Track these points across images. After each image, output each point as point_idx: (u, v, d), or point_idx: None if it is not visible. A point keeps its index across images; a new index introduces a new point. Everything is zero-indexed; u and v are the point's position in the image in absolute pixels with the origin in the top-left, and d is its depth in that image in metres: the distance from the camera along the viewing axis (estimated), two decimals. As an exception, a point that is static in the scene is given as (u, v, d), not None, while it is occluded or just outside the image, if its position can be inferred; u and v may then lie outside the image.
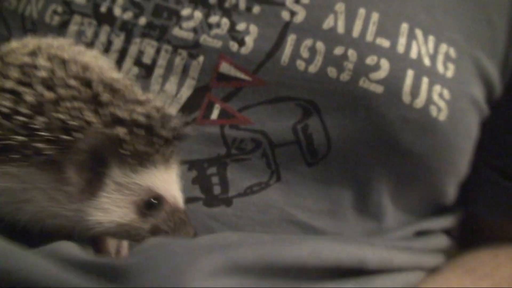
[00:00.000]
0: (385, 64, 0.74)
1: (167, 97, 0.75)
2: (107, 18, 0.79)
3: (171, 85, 0.76)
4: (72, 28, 0.79)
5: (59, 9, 0.80)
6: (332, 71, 0.74)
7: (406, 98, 0.75)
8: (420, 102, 0.76)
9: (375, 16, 0.76)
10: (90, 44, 0.77)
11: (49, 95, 0.55)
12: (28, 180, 0.56)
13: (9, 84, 0.56)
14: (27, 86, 0.56)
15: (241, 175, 0.75)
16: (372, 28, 0.75)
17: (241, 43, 0.75)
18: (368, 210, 0.80)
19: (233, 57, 0.75)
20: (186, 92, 0.76)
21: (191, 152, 0.74)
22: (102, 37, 0.78)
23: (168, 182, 0.61)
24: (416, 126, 0.76)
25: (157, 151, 0.58)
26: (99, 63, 0.64)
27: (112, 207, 0.58)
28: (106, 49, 0.77)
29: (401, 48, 0.76)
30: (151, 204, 0.60)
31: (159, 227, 0.61)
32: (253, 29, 0.76)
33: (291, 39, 0.75)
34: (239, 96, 0.75)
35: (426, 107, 0.76)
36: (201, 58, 0.76)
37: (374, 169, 0.78)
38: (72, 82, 0.56)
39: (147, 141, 0.57)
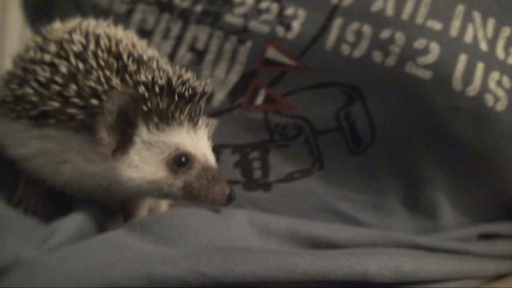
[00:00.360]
0: (435, 48, 0.70)
1: (216, 82, 0.77)
2: (168, 6, 0.83)
3: (220, 71, 0.78)
4: (136, 16, 0.84)
5: None
6: (377, 56, 0.72)
7: (457, 85, 0.70)
8: (473, 90, 0.70)
9: None
10: (151, 31, 0.82)
11: (81, 66, 0.60)
12: (65, 142, 0.60)
13: (47, 57, 0.61)
14: (63, 58, 0.61)
15: (283, 161, 0.76)
16: (423, 10, 0.72)
17: (288, 27, 0.76)
18: (420, 206, 0.76)
19: (279, 42, 0.76)
20: (233, 77, 0.78)
21: (235, 137, 0.76)
22: (162, 24, 0.83)
23: (197, 141, 0.64)
24: (468, 116, 0.71)
25: (181, 110, 0.61)
26: (133, 40, 0.68)
27: (142, 164, 0.61)
28: (165, 36, 0.82)
29: (454, 31, 0.71)
30: (181, 161, 0.62)
31: (192, 184, 0.63)
32: (301, 13, 0.76)
33: (337, 23, 0.74)
34: (284, 81, 0.76)
35: (480, 95, 0.70)
36: (249, 43, 0.77)
37: (425, 161, 0.74)
38: (103, 54, 0.61)
39: (169, 99, 0.60)
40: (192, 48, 0.81)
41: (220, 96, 0.77)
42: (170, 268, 0.51)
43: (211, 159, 0.64)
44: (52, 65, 0.61)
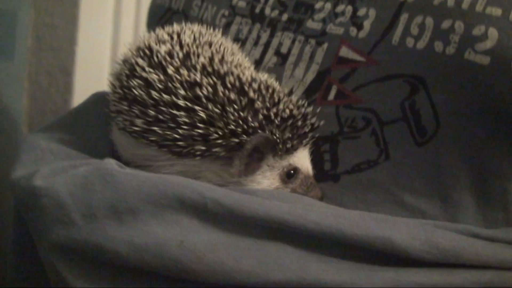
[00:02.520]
0: (493, 33, 0.75)
1: (295, 81, 0.91)
2: (259, 17, 1.00)
3: (299, 71, 0.91)
4: (234, 27, 1.02)
5: (226, 12, 1.04)
6: (438, 45, 0.79)
7: None
8: None
9: None
10: (245, 40, 1.00)
11: (217, 110, 0.75)
12: (203, 167, 0.79)
13: (181, 102, 0.75)
14: (195, 104, 0.75)
15: (350, 152, 0.85)
16: None
17: (360, 27, 0.87)
18: (490, 198, 0.79)
19: (351, 41, 0.87)
20: (310, 76, 0.91)
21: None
22: (254, 33, 1.00)
23: (303, 157, 0.83)
24: None
25: (300, 141, 0.80)
26: (246, 66, 0.86)
27: (263, 180, 0.80)
28: (255, 43, 0.99)
29: None
30: (290, 174, 0.82)
31: (296, 190, 0.82)
32: (372, 13, 0.87)
33: (403, 18, 0.83)
34: (354, 76, 0.86)
35: None
36: (325, 45, 0.90)
37: (492, 151, 0.78)
38: (232, 94, 0.77)
39: (292, 136, 0.79)
40: (277, 52, 0.95)
41: (298, 93, 0.89)
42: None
43: (310, 169, 0.84)
44: (187, 110, 0.75)
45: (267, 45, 0.96)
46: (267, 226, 0.66)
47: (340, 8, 0.90)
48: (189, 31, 0.85)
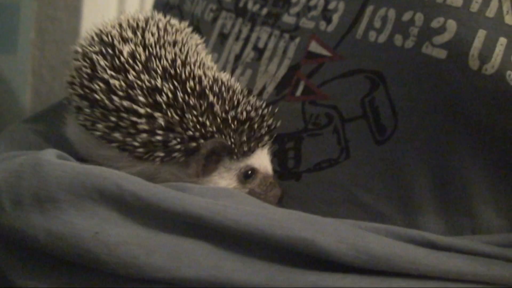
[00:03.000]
0: (451, 25, 0.74)
1: (268, 76, 0.91)
2: (242, 11, 1.00)
3: (273, 66, 0.91)
4: (219, 22, 1.03)
5: (214, 7, 1.06)
6: (398, 39, 0.78)
7: (473, 63, 0.72)
8: (491, 67, 0.71)
9: None
10: (228, 35, 1.01)
11: (176, 117, 0.75)
12: (162, 169, 0.79)
13: (142, 111, 0.76)
14: (157, 110, 0.76)
15: (313, 150, 0.85)
16: None
17: (329, 21, 0.86)
18: (453, 202, 0.77)
19: (320, 35, 0.87)
20: (282, 71, 0.91)
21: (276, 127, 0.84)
22: (236, 28, 1.00)
23: (261, 157, 0.82)
24: (489, 96, 0.72)
25: (257, 142, 0.80)
26: (210, 66, 0.86)
27: (220, 181, 0.81)
28: (237, 38, 0.99)
29: (475, 6, 0.74)
30: (247, 174, 0.82)
31: (255, 190, 0.82)
32: (341, 6, 0.86)
33: (368, 10, 0.82)
34: (320, 72, 0.86)
35: (500, 73, 0.71)
36: (297, 39, 0.90)
37: (453, 150, 0.76)
38: (192, 100, 0.77)
39: (249, 138, 0.79)
40: (255, 47, 0.96)
41: (269, 89, 0.90)
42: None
43: (269, 169, 0.84)
44: (147, 116, 0.76)
45: (246, 40, 0.97)
46: (184, 221, 0.66)
47: (313, 1, 0.90)
48: (154, 27, 0.85)
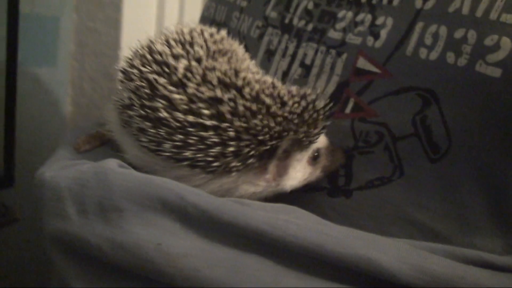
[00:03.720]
0: (506, 43, 0.74)
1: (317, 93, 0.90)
2: (288, 28, 1.02)
3: (321, 82, 0.93)
4: (265, 38, 1.06)
5: (260, 23, 1.08)
6: (450, 56, 0.78)
7: None
8: None
9: None
10: (274, 51, 1.03)
11: (243, 124, 0.77)
12: (240, 180, 0.81)
13: (207, 122, 0.76)
14: (223, 121, 0.76)
15: (364, 167, 0.86)
16: (499, 4, 0.76)
17: (377, 36, 0.87)
18: (510, 221, 0.76)
19: (368, 51, 0.88)
20: (331, 88, 0.92)
21: None
22: (282, 44, 1.02)
23: (321, 137, 0.86)
24: None
25: (318, 130, 0.82)
26: (255, 71, 0.88)
27: (297, 174, 0.84)
28: (283, 54, 1.01)
29: None
30: (316, 156, 0.87)
31: (325, 166, 0.88)
32: (389, 21, 0.87)
33: (418, 27, 0.83)
34: (370, 89, 0.87)
35: None
36: (344, 55, 0.91)
37: (509, 170, 0.75)
38: (253, 106, 0.79)
39: (310, 125, 0.80)
40: (302, 64, 0.97)
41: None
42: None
43: (325, 139, 0.88)
44: (215, 128, 0.77)
45: (293, 56, 0.99)
46: (245, 235, 0.67)
47: (360, 16, 0.91)
48: (201, 39, 0.87)
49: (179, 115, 0.76)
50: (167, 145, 0.77)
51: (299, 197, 0.87)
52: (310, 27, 0.97)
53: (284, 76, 0.99)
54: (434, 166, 0.79)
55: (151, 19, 1.79)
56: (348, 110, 0.88)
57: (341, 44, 0.91)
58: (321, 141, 0.86)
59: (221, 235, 0.68)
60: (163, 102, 0.77)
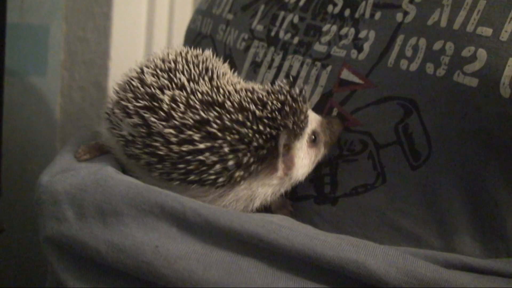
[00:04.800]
0: (482, 54, 0.79)
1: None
2: (274, 41, 1.07)
3: (306, 93, 0.91)
4: (252, 51, 1.10)
5: (246, 36, 1.12)
6: (429, 67, 0.83)
7: (505, 91, 0.77)
8: None
9: (481, 4, 0.81)
10: (260, 63, 1.07)
11: (235, 136, 0.80)
12: (253, 186, 0.85)
13: (201, 145, 0.80)
14: (220, 138, 0.80)
15: (349, 175, 0.91)
16: (475, 17, 0.81)
17: (360, 49, 0.92)
18: (487, 225, 0.82)
19: (352, 63, 0.93)
20: (315, 98, 0.97)
21: None
22: (268, 56, 1.07)
23: (311, 118, 0.90)
24: None
25: (304, 114, 0.86)
26: (236, 81, 0.92)
27: (303, 162, 0.89)
28: (269, 66, 1.06)
29: (505, 35, 0.79)
30: (313, 138, 0.90)
31: (327, 142, 0.91)
32: (372, 35, 0.92)
33: (399, 39, 0.88)
34: (352, 99, 0.91)
35: None
36: (329, 68, 0.96)
37: (487, 175, 0.81)
38: (240, 117, 0.82)
39: (297, 115, 0.84)
40: (287, 75, 1.02)
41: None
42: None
43: (317, 117, 0.92)
44: (210, 148, 0.81)
45: (279, 68, 1.03)
46: (240, 239, 0.72)
47: (344, 30, 0.96)
48: (184, 64, 0.89)
49: (175, 148, 0.80)
50: (175, 175, 0.82)
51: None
52: (296, 40, 1.02)
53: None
54: (415, 173, 0.84)
55: (140, 29, 1.83)
56: None
57: (326, 56, 0.96)
58: (313, 120, 0.90)
59: (217, 238, 0.73)
60: (159, 139, 0.81)
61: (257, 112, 0.82)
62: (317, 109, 0.94)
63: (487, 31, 0.79)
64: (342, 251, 0.70)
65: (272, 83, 1.01)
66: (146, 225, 0.74)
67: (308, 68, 0.98)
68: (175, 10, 1.89)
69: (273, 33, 1.07)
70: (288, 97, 0.84)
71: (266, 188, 0.85)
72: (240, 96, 0.84)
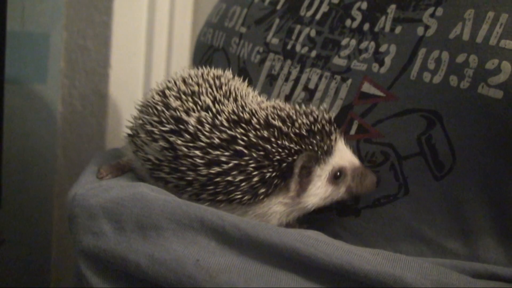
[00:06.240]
0: (506, 66, 0.81)
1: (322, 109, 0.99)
2: (290, 54, 1.09)
3: (325, 106, 0.95)
4: (267, 64, 1.13)
5: (261, 49, 1.15)
6: (453, 80, 0.85)
7: None
8: None
9: (503, 18, 0.84)
10: (277, 76, 1.10)
11: (260, 153, 0.84)
12: (272, 203, 0.88)
13: (230, 165, 0.83)
14: (240, 156, 0.84)
15: None
16: (498, 30, 0.83)
17: (381, 63, 0.95)
18: (511, 234, 0.84)
19: (373, 77, 0.95)
20: (335, 111, 0.99)
21: None
22: (285, 69, 1.09)
23: (341, 153, 0.91)
24: None
25: (330, 140, 0.88)
26: (259, 100, 0.96)
27: (317, 191, 0.90)
28: (286, 79, 1.08)
29: None
30: (336, 175, 0.91)
31: (350, 186, 0.91)
32: (393, 48, 0.94)
33: (421, 53, 0.90)
34: (374, 111, 0.94)
35: None
36: (349, 81, 0.98)
37: (510, 186, 0.83)
38: (265, 133, 0.85)
39: (322, 138, 0.87)
40: (305, 88, 1.04)
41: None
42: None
43: (354, 160, 0.93)
44: (237, 167, 0.84)
45: (296, 81, 1.06)
46: (279, 253, 0.74)
47: (364, 44, 0.98)
48: (207, 87, 0.92)
49: (203, 171, 0.83)
50: (204, 195, 0.84)
51: (310, 218, 0.94)
52: (313, 53, 1.04)
53: (287, 100, 1.05)
54: (439, 184, 0.86)
55: (140, 37, 1.86)
56: (352, 131, 0.94)
57: (346, 70, 0.98)
58: (346, 159, 0.91)
59: (256, 252, 0.75)
60: (185, 162, 0.84)
61: (283, 128, 0.84)
62: (337, 121, 0.95)
63: (510, 44, 0.82)
64: (379, 265, 0.73)
65: (290, 95, 1.05)
66: (186, 239, 0.76)
67: (327, 81, 1.00)
68: (175, 18, 1.92)
69: (289, 46, 1.09)
70: (319, 119, 0.87)
71: (279, 207, 0.88)
72: (267, 113, 0.87)
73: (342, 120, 0.96)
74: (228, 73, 0.98)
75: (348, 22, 1.02)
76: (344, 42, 1.01)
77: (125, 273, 0.77)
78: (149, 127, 0.89)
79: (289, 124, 0.86)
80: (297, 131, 0.85)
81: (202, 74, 0.95)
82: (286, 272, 0.74)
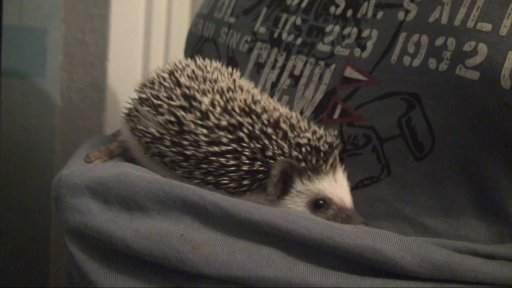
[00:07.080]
0: (482, 48, 0.83)
1: (305, 101, 1.02)
2: (277, 42, 1.12)
3: (309, 91, 1.02)
4: (255, 52, 1.15)
5: (248, 38, 1.18)
6: (432, 62, 0.87)
7: (505, 82, 0.81)
8: None
9: (480, 1, 0.86)
10: (263, 64, 1.12)
11: (258, 146, 0.87)
12: (252, 199, 0.89)
13: (228, 148, 0.87)
14: (236, 143, 0.86)
15: (354, 169, 0.95)
16: (475, 14, 0.86)
17: (363, 48, 0.97)
18: (491, 211, 0.86)
19: (355, 61, 0.97)
20: (319, 96, 1.01)
21: None
22: (272, 57, 1.12)
23: (336, 186, 0.91)
24: None
25: (325, 162, 0.89)
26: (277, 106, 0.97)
27: (292, 206, 0.90)
28: (273, 67, 1.11)
29: (504, 30, 0.83)
30: (318, 204, 0.90)
31: (330, 220, 0.89)
32: (374, 33, 0.97)
33: (401, 37, 0.92)
34: (356, 95, 0.96)
35: None
36: (333, 66, 1.01)
37: (488, 164, 0.85)
38: (269, 130, 0.89)
39: (317, 156, 0.88)
40: (291, 75, 1.07)
41: (307, 113, 1.02)
42: None
43: (346, 200, 0.91)
44: (233, 152, 0.87)
45: (282, 68, 1.08)
46: (260, 229, 0.76)
47: (347, 30, 1.00)
48: (223, 78, 0.96)
49: (204, 146, 0.86)
50: (197, 173, 0.87)
51: None
52: (299, 41, 1.07)
53: (273, 87, 1.08)
54: (419, 164, 0.88)
55: (138, 31, 1.88)
56: (336, 115, 0.96)
57: (330, 55, 1.01)
58: (337, 195, 0.89)
59: (238, 229, 0.77)
60: (189, 137, 0.87)
61: (289, 133, 0.87)
62: (321, 106, 0.98)
63: (487, 26, 0.84)
64: (359, 239, 0.75)
65: (276, 82, 1.08)
66: (171, 218, 0.79)
67: (311, 67, 1.02)
68: (172, 12, 1.95)
69: (276, 35, 1.12)
70: (323, 139, 0.89)
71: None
72: (280, 115, 0.89)
73: (326, 104, 0.98)
74: (238, 72, 1.01)
75: (332, 9, 1.04)
76: (328, 28, 1.03)
77: (110, 248, 0.79)
78: (155, 101, 0.91)
79: (296, 133, 0.88)
80: (299, 141, 0.87)
81: (218, 67, 0.99)
82: (268, 247, 0.76)
